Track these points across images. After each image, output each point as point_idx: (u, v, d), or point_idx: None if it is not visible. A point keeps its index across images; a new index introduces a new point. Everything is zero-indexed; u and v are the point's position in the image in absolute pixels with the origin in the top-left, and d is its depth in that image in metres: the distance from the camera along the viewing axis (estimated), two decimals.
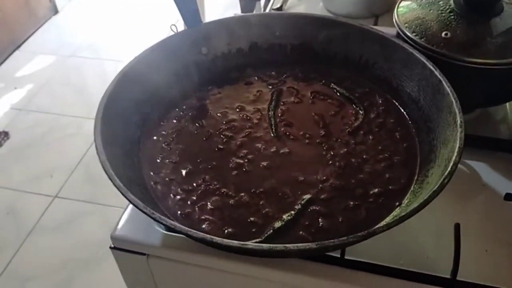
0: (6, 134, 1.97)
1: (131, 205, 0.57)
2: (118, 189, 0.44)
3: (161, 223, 0.42)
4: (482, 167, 0.62)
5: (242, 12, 1.16)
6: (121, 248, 0.56)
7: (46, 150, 1.92)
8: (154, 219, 0.41)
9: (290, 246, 0.38)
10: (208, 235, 0.40)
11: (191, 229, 0.40)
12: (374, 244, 0.51)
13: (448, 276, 0.49)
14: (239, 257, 0.51)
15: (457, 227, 0.50)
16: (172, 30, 0.64)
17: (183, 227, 0.41)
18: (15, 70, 2.32)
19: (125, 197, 0.44)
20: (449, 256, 0.49)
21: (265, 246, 0.39)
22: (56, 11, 2.67)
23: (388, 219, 0.47)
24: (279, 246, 0.39)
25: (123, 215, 0.58)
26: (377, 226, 0.40)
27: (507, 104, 0.70)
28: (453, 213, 0.55)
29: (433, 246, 0.54)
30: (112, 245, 0.56)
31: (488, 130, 0.68)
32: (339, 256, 0.51)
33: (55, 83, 2.25)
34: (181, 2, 0.62)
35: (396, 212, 0.48)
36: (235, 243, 0.39)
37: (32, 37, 2.52)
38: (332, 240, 0.39)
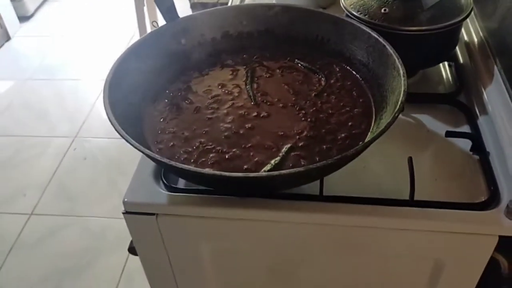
0: None
1: (135, 175, 0.66)
2: (134, 146, 0.53)
3: (178, 168, 0.51)
4: (425, 118, 0.76)
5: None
6: (132, 211, 0.64)
7: (14, 171, 1.93)
8: (171, 165, 0.51)
9: (283, 171, 0.49)
10: (217, 171, 0.50)
11: (204, 169, 0.50)
12: (345, 182, 0.63)
13: (407, 198, 0.61)
14: (233, 203, 0.61)
15: (410, 159, 0.62)
16: (153, 26, 0.74)
17: (198, 168, 0.50)
18: None
19: (144, 153, 0.53)
20: (406, 184, 0.61)
21: (264, 173, 0.50)
22: (8, 37, 2.68)
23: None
24: (275, 172, 0.49)
25: (130, 184, 0.66)
26: (348, 151, 0.51)
27: (441, 66, 0.84)
28: (406, 152, 0.67)
29: (392, 178, 0.66)
30: (124, 210, 0.65)
31: (429, 88, 0.81)
32: (318, 194, 0.62)
33: (15, 107, 2.26)
34: (160, 1, 0.72)
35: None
36: (240, 174, 0.49)
37: None
38: (315, 164, 0.50)
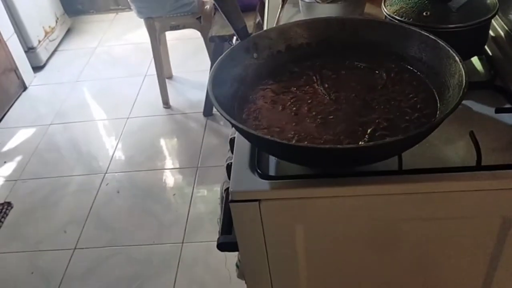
0: (9, 204, 2.04)
1: (234, 169, 0.76)
2: (231, 123, 0.63)
3: (279, 144, 0.61)
4: (470, 103, 0.87)
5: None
6: (238, 200, 0.73)
7: (53, 210, 2.01)
8: (275, 141, 0.61)
9: (387, 139, 0.59)
10: (324, 145, 0.60)
11: (313, 144, 0.60)
12: (417, 159, 0.74)
13: (474, 165, 0.72)
14: (329, 182, 0.71)
15: (471, 133, 0.73)
16: (230, 44, 0.85)
17: (303, 144, 0.60)
18: (0, 146, 2.40)
19: (251, 132, 0.63)
20: (468, 156, 0.72)
21: (371, 143, 0.60)
22: (25, 87, 2.79)
23: None
24: (380, 141, 0.59)
25: (232, 176, 0.75)
26: (432, 121, 0.62)
27: (473, 60, 0.97)
28: (462, 129, 0.78)
29: (455, 151, 0.77)
30: (231, 199, 0.74)
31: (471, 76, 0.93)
32: (397, 170, 0.72)
33: (42, 151, 2.35)
34: (234, 22, 0.84)
35: None
36: (350, 146, 0.59)
37: (8, 114, 2.61)
38: (412, 131, 0.60)
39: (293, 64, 0.88)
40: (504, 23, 0.95)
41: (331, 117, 0.75)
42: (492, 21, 0.98)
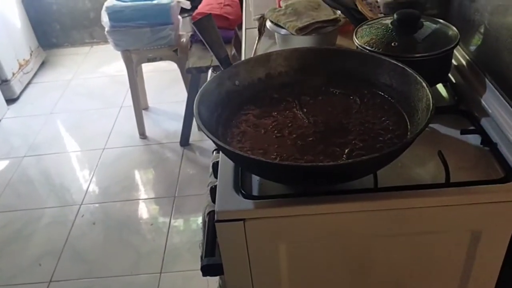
0: None
1: (219, 189, 0.79)
2: (217, 145, 0.67)
3: (263, 163, 0.65)
4: (437, 126, 0.93)
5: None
6: (224, 219, 0.76)
7: (27, 243, 1.97)
8: (258, 160, 0.65)
9: (365, 157, 0.64)
10: (308, 163, 0.64)
11: (291, 162, 0.64)
12: (390, 177, 0.79)
13: (444, 182, 0.77)
14: (310, 201, 0.75)
15: (440, 152, 0.79)
16: (213, 72, 0.90)
17: (290, 162, 0.65)
18: None
19: (222, 147, 0.67)
20: (438, 174, 0.77)
21: (351, 160, 0.65)
22: None
23: None
24: (359, 158, 0.64)
25: (218, 196, 0.78)
26: (404, 140, 0.67)
27: (438, 87, 1.04)
28: (431, 150, 0.84)
29: (424, 172, 0.82)
30: (216, 219, 0.77)
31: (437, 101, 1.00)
32: (373, 187, 0.77)
33: (15, 183, 2.32)
34: (217, 52, 0.89)
35: None
36: (331, 163, 0.64)
37: None
38: (388, 149, 0.65)
39: (273, 91, 0.93)
40: (466, 53, 1.03)
41: (311, 139, 0.79)
42: (455, 51, 1.06)
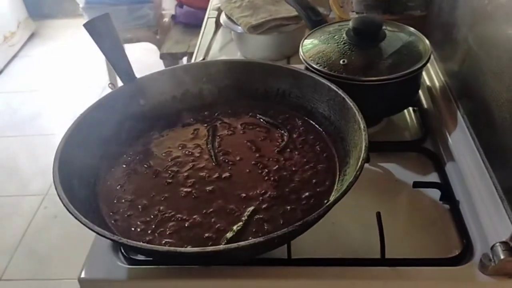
0: None
1: (93, 248, 0.63)
2: (84, 224, 0.50)
3: (129, 246, 0.48)
4: (393, 167, 0.74)
5: None
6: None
7: None
8: (122, 243, 0.48)
9: (242, 243, 0.46)
10: (171, 247, 0.46)
11: (156, 245, 0.47)
12: (314, 242, 0.61)
13: (379, 257, 0.58)
14: (199, 274, 0.57)
15: (378, 215, 0.60)
16: (110, 88, 0.72)
17: (148, 245, 0.47)
18: None
19: (93, 230, 0.49)
20: (378, 240, 0.59)
21: (221, 246, 0.47)
22: None
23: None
24: (233, 245, 0.46)
25: (86, 259, 0.62)
26: (309, 217, 0.48)
27: (406, 112, 0.84)
28: (374, 205, 0.65)
29: (362, 234, 0.63)
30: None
31: (395, 135, 0.80)
32: (286, 257, 0.59)
33: None
34: (116, 61, 0.70)
35: None
36: (196, 249, 0.46)
37: None
38: (276, 233, 0.47)
39: (188, 113, 0.75)
40: (440, 72, 0.82)
41: (209, 188, 0.61)
42: (429, 66, 0.85)
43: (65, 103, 2.56)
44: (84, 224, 0.50)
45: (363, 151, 0.55)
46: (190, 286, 0.59)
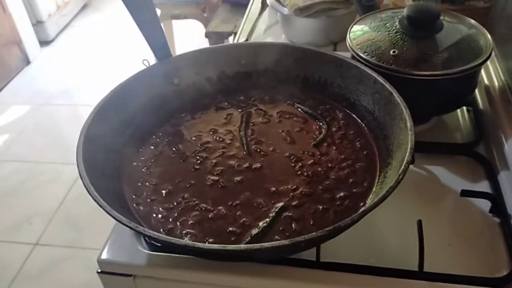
0: None
1: (115, 230, 0.61)
2: (103, 208, 0.48)
3: (146, 235, 0.45)
4: (440, 170, 0.68)
5: None
6: (108, 271, 0.58)
7: (24, 198, 1.91)
8: (139, 232, 0.45)
9: (266, 244, 0.42)
10: (190, 242, 0.43)
11: (173, 238, 0.44)
12: (346, 245, 0.56)
13: (416, 269, 0.53)
14: (221, 268, 0.54)
15: (419, 223, 0.55)
16: (144, 64, 0.69)
17: (166, 236, 0.44)
18: None
19: (110, 214, 0.47)
20: (416, 251, 0.54)
21: (243, 246, 0.43)
22: (28, 62, 2.70)
23: None
24: (256, 245, 0.42)
25: (108, 240, 0.60)
26: (342, 221, 0.44)
27: (459, 111, 0.77)
28: (416, 212, 0.60)
29: (400, 242, 0.58)
30: (99, 270, 0.59)
31: (444, 136, 0.74)
32: (315, 259, 0.55)
33: (30, 131, 2.26)
34: (151, 37, 0.67)
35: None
36: (215, 246, 0.43)
37: (5, 89, 2.54)
38: (303, 236, 0.43)
39: (223, 97, 0.71)
40: (501, 70, 0.74)
41: (238, 179, 0.58)
42: (489, 63, 0.77)
43: (111, 75, 2.58)
44: (103, 208, 0.48)
45: (407, 153, 0.50)
46: (209, 279, 0.56)
